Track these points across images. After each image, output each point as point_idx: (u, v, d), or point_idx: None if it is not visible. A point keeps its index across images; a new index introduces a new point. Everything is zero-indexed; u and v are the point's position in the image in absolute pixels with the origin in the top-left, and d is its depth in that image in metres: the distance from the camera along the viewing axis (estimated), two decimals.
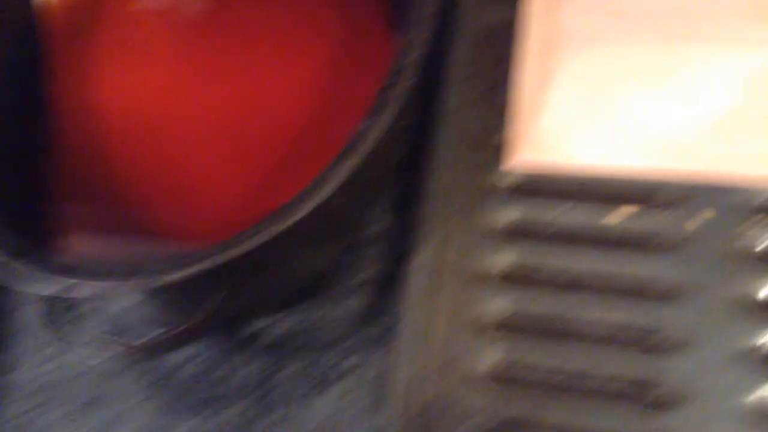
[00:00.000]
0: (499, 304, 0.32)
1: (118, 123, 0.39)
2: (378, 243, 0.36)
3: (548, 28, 0.38)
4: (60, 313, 0.30)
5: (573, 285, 0.32)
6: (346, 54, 0.39)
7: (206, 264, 0.26)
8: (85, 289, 0.26)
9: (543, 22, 0.38)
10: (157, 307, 0.31)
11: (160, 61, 0.41)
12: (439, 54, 0.39)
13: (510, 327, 0.32)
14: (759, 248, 0.31)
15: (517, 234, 0.33)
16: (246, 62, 0.40)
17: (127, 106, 0.39)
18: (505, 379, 0.31)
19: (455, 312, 0.32)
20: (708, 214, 0.32)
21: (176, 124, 0.39)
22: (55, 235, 0.36)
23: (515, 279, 0.32)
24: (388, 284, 0.35)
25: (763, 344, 0.30)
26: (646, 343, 0.31)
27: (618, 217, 0.33)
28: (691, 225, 0.32)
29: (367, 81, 0.38)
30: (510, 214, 0.34)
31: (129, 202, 0.37)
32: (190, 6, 0.43)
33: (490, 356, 0.31)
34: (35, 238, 0.34)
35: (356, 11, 0.40)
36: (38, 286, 0.26)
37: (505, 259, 0.33)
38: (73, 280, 0.26)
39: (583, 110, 0.36)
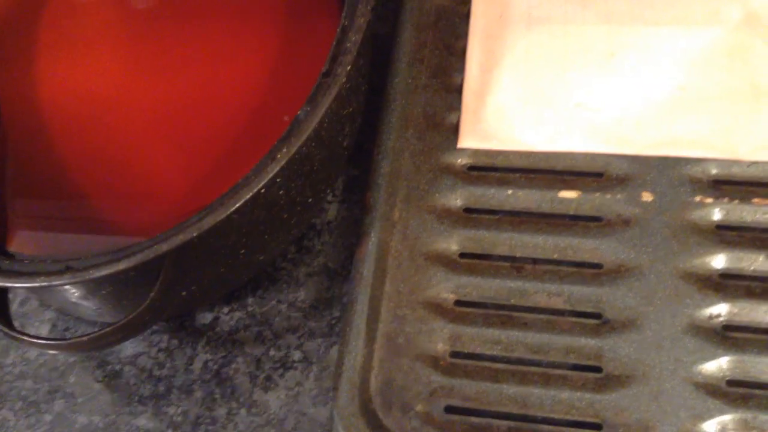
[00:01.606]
0: (450, 286, 0.32)
1: (63, 116, 0.38)
2: (328, 232, 0.36)
3: (494, 10, 0.38)
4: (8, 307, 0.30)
5: (523, 266, 0.32)
6: (291, 42, 0.39)
7: (140, 257, 0.26)
8: (20, 283, 0.25)
9: (487, 5, 0.38)
10: (100, 301, 0.31)
11: (104, 52, 0.40)
12: (386, 37, 0.39)
13: (461, 307, 0.32)
14: (705, 223, 0.32)
15: (468, 215, 0.33)
16: (190, 52, 0.40)
17: (72, 99, 0.39)
18: (455, 361, 0.31)
19: (406, 294, 0.32)
20: (655, 192, 0.32)
21: (121, 116, 0.38)
22: (2, 231, 0.36)
23: (466, 260, 0.32)
24: (339, 274, 0.35)
25: (713, 316, 0.30)
26: (596, 321, 0.31)
27: (567, 196, 0.33)
28: (638, 203, 0.32)
29: (315, 70, 0.38)
30: (460, 195, 0.34)
31: (76, 195, 0.37)
32: None
33: (440, 338, 0.31)
34: None
35: (303, 2, 0.39)
36: None
37: (455, 240, 0.33)
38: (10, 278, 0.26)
39: (529, 92, 0.36)
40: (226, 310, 0.35)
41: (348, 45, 0.30)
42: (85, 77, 0.39)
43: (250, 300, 0.35)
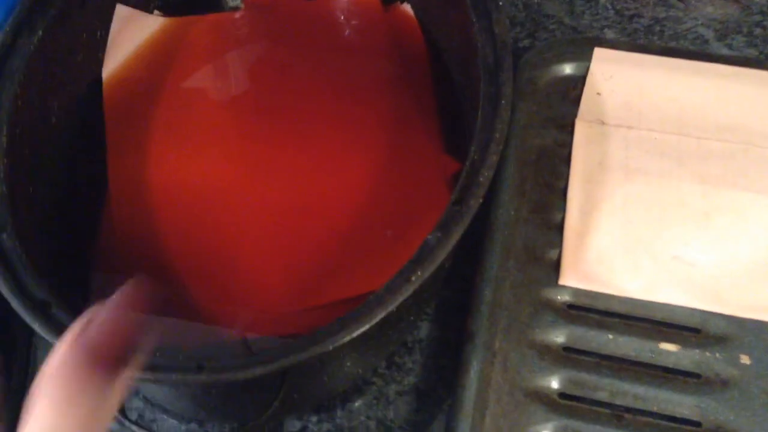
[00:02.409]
0: (550, 426, 0.32)
1: (170, 204, 0.39)
2: (420, 351, 0.37)
3: (593, 158, 0.40)
4: None
5: (622, 415, 0.32)
6: (396, 164, 0.41)
7: (275, 365, 0.26)
8: (153, 377, 0.25)
9: (589, 150, 0.40)
10: (201, 398, 0.30)
11: (214, 148, 0.42)
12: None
13: None
14: None
15: (568, 354, 0.34)
16: (299, 158, 0.41)
17: (180, 189, 0.40)
18: None
19: (506, 431, 0.31)
20: (752, 356, 0.33)
21: (226, 211, 0.39)
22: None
23: (566, 401, 0.32)
24: (429, 396, 0.35)
25: None
26: None
27: (667, 348, 0.33)
28: (736, 365, 0.33)
29: (415, 192, 0.40)
30: (561, 333, 0.34)
31: (174, 280, 0.37)
32: (244, 93, 0.44)
33: None
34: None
35: (408, 128, 0.41)
36: None
37: (556, 379, 0.33)
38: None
39: (627, 239, 0.37)
40: (314, 419, 0.34)
41: (481, 179, 0.31)
42: (194, 170, 0.41)
43: (339, 412, 0.34)
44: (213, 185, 0.40)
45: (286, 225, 0.38)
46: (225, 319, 0.36)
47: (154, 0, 0.45)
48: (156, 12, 0.46)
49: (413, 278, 0.28)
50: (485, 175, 0.31)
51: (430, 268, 0.29)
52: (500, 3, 0.37)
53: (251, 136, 0.42)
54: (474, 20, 0.37)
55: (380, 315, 0.27)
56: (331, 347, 0.26)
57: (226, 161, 0.41)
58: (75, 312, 0.29)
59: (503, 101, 0.33)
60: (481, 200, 0.31)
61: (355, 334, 0.27)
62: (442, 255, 0.29)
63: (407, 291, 0.28)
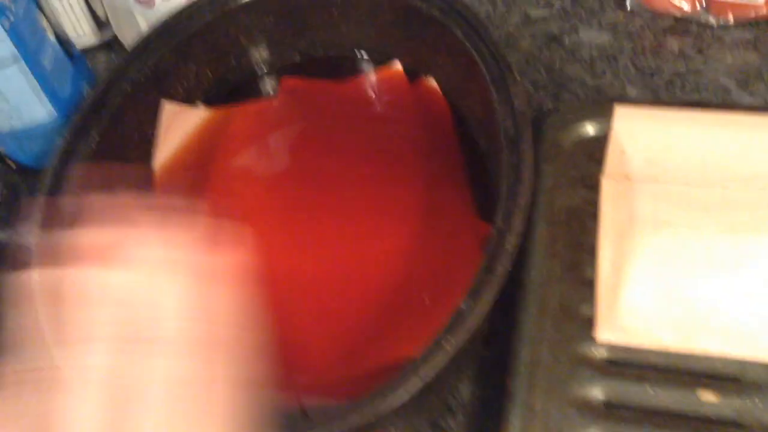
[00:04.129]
0: None
1: None
2: (463, 414, 0.38)
3: (621, 213, 0.41)
4: None
5: None
6: (430, 229, 0.43)
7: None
8: None
9: (616, 206, 0.41)
10: None
11: (258, 226, 0.44)
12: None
13: None
14: None
15: (609, 410, 0.34)
16: (339, 230, 0.44)
17: None
18: None
19: None
20: None
21: (274, 286, 0.42)
22: None
23: None
24: None
25: None
26: None
27: (708, 399, 0.34)
28: None
29: (451, 258, 0.42)
30: (600, 389, 0.35)
31: None
32: (284, 173, 0.47)
33: None
34: None
35: (439, 196, 0.43)
36: None
37: None
38: None
39: (660, 291, 0.38)
40: None
41: (507, 246, 0.33)
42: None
43: None
44: (256, 258, 0.43)
45: (328, 294, 0.41)
46: (280, 384, 0.38)
47: (198, 94, 0.49)
48: (200, 104, 0.49)
49: (447, 347, 0.30)
50: (512, 242, 0.33)
51: (463, 336, 0.30)
52: (518, 78, 0.40)
53: (292, 210, 0.45)
54: (494, 93, 0.39)
55: (418, 385, 0.29)
56: (371, 418, 0.28)
57: (269, 235, 0.44)
58: None
59: (525, 170, 0.35)
60: (509, 267, 0.32)
61: (393, 405, 0.28)
62: (474, 322, 0.31)
63: (443, 359, 0.30)
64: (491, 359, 0.39)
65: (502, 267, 0.32)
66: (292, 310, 0.40)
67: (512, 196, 0.34)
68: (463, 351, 0.34)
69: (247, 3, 0.47)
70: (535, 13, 0.56)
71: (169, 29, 0.45)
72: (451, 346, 0.30)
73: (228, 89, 0.50)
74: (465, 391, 0.38)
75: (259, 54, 0.50)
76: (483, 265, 0.33)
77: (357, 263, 0.42)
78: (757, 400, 0.34)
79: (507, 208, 0.34)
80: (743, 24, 0.52)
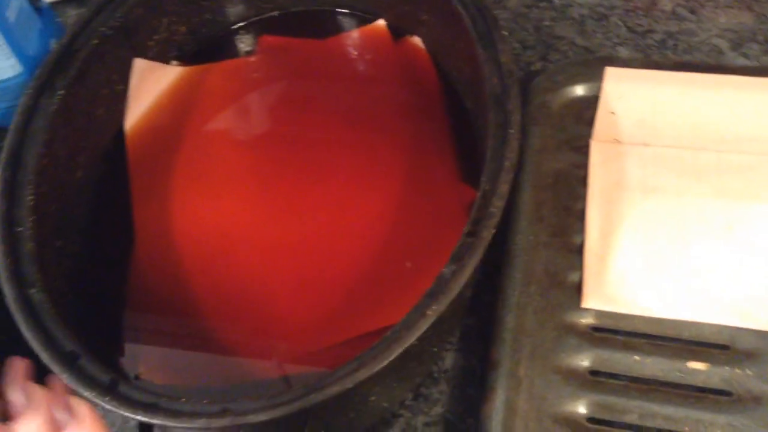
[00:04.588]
0: None
1: (192, 247, 0.40)
2: (446, 381, 0.37)
3: (610, 178, 0.40)
4: None
5: None
6: (414, 194, 0.41)
7: (297, 404, 0.26)
8: (181, 423, 0.26)
9: (605, 170, 0.40)
10: None
11: (234, 192, 0.43)
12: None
13: None
14: None
15: (595, 378, 0.33)
16: (316, 195, 0.42)
17: (202, 232, 0.41)
18: None
19: None
20: None
21: (248, 252, 0.40)
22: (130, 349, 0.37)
23: (595, 425, 0.32)
24: (456, 427, 0.35)
25: None
26: None
27: (696, 367, 0.33)
28: (765, 381, 0.32)
29: (434, 222, 0.40)
30: (586, 356, 0.34)
31: (205, 318, 0.38)
32: (263, 134, 0.45)
33: None
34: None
35: (423, 158, 0.42)
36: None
37: (583, 403, 0.33)
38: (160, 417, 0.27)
39: (649, 258, 0.37)
40: None
41: (492, 210, 0.31)
42: (217, 212, 0.42)
43: None
44: (236, 225, 0.41)
45: (309, 261, 0.39)
46: (262, 353, 0.36)
47: (171, 51, 0.47)
48: (173, 62, 0.47)
49: (429, 312, 0.29)
50: (497, 206, 0.32)
51: (445, 302, 0.29)
52: (505, 33, 0.38)
53: (273, 174, 0.43)
54: (480, 51, 0.37)
55: (397, 351, 0.28)
56: (350, 385, 0.27)
57: (249, 201, 0.42)
58: (103, 362, 0.30)
59: (511, 130, 0.34)
60: (494, 231, 0.31)
61: (372, 372, 0.27)
62: (457, 288, 0.29)
63: (423, 326, 0.28)
64: (475, 327, 0.38)
65: (487, 231, 0.31)
66: (271, 276, 0.39)
67: (498, 158, 0.33)
68: (445, 318, 0.32)
69: None
70: None
71: None
72: (433, 312, 0.29)
73: (203, 46, 0.48)
74: (448, 358, 0.37)
75: (235, 8, 0.48)
76: (467, 229, 0.31)
77: (338, 229, 0.41)
78: (746, 368, 0.33)
79: (492, 170, 0.33)
80: None
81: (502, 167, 0.33)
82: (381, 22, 0.48)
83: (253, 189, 0.42)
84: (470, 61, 0.39)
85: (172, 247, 0.40)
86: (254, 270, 0.39)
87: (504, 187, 0.32)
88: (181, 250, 0.40)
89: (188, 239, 0.41)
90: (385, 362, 0.27)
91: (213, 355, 0.36)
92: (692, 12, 0.51)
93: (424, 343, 0.32)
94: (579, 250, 0.37)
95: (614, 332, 0.35)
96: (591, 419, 0.32)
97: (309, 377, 0.34)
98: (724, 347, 0.34)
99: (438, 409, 0.35)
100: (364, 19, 0.49)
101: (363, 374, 0.27)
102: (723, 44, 0.49)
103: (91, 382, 0.28)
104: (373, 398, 0.32)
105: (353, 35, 0.49)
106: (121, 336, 0.37)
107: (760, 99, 0.41)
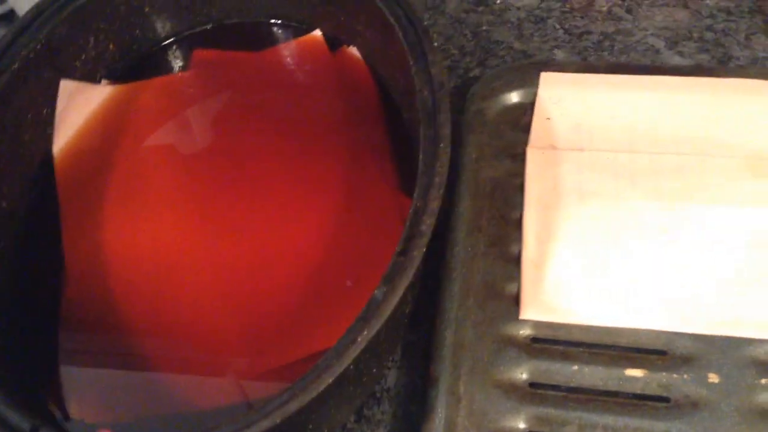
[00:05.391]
0: None
1: (125, 274, 0.39)
2: (388, 400, 0.36)
3: (546, 184, 0.40)
4: None
5: None
6: (353, 208, 0.41)
7: None
8: None
9: (541, 177, 0.40)
10: None
11: (167, 213, 0.42)
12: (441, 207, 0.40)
13: None
14: None
15: (534, 390, 0.33)
16: (252, 214, 0.41)
17: (135, 258, 0.40)
18: None
19: None
20: (720, 373, 0.32)
21: (183, 275, 0.39)
22: (64, 389, 0.36)
23: None
24: None
25: None
26: None
27: (634, 375, 0.33)
28: (705, 385, 0.32)
29: (374, 237, 0.40)
30: (525, 369, 0.34)
31: (133, 348, 0.37)
32: (198, 151, 0.44)
33: None
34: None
35: (363, 171, 0.41)
36: None
37: (523, 417, 0.33)
38: None
39: (586, 265, 0.37)
40: None
41: (422, 228, 0.31)
42: (149, 236, 0.41)
43: None
44: (171, 246, 0.40)
45: (242, 282, 0.38)
46: (197, 384, 0.36)
47: (99, 70, 0.45)
48: (103, 81, 0.46)
49: (359, 339, 0.28)
50: (427, 223, 0.31)
51: (376, 326, 0.29)
52: (436, 44, 0.37)
53: (209, 192, 0.42)
54: (411, 62, 0.37)
55: (328, 381, 0.27)
56: (278, 420, 0.26)
57: (184, 220, 0.41)
58: (28, 405, 0.29)
59: (441, 144, 0.33)
60: (424, 249, 0.31)
61: (303, 404, 0.26)
62: (388, 310, 0.29)
63: (354, 352, 0.28)
64: (417, 343, 0.38)
65: (417, 250, 0.30)
66: (206, 300, 0.38)
67: (428, 173, 0.32)
68: (381, 339, 0.32)
69: None
70: None
71: None
72: (363, 338, 0.28)
73: (134, 63, 0.47)
74: (391, 377, 0.37)
75: (166, 23, 0.47)
76: (398, 248, 0.31)
77: (276, 246, 0.40)
78: (684, 373, 0.33)
79: (423, 186, 0.32)
80: None
81: (432, 183, 0.32)
82: (317, 33, 0.47)
83: (188, 208, 0.42)
84: (404, 72, 0.38)
85: (106, 273, 0.39)
86: (189, 293, 0.38)
87: (434, 204, 0.32)
88: (115, 276, 0.39)
89: (122, 264, 0.40)
90: (315, 393, 0.27)
91: (145, 385, 0.35)
92: (628, 11, 0.51)
93: (361, 366, 0.32)
94: (517, 260, 0.37)
95: (553, 342, 0.35)
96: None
97: (241, 408, 0.33)
98: (661, 353, 0.34)
99: (381, 431, 0.35)
100: (300, 30, 0.48)
101: (293, 407, 0.27)
102: (659, 43, 0.49)
103: (10, 430, 0.27)
104: (311, 426, 0.31)
105: (289, 47, 0.48)
106: (51, 374, 0.36)
107: (693, 99, 0.41)
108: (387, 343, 0.34)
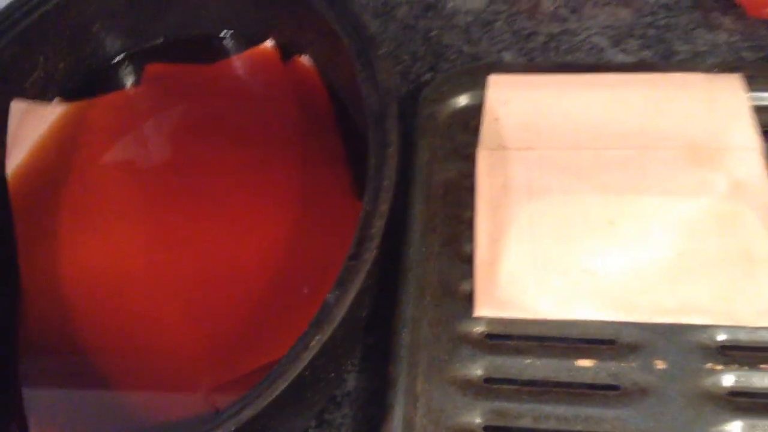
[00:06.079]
0: None
1: (82, 291, 0.39)
2: (349, 404, 0.37)
3: (496, 184, 0.41)
4: None
5: None
6: (309, 216, 0.41)
7: None
8: None
9: (491, 177, 0.41)
10: None
11: (122, 228, 0.42)
12: (396, 210, 0.41)
13: None
14: (718, 390, 0.33)
15: (489, 385, 0.34)
16: (208, 226, 0.41)
17: (92, 274, 0.40)
18: None
19: None
20: (667, 359, 0.34)
21: (140, 290, 0.40)
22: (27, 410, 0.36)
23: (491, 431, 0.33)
24: None
25: None
26: None
27: (584, 365, 0.34)
28: (652, 372, 0.33)
29: (331, 243, 0.40)
30: (480, 365, 0.35)
31: (93, 363, 0.37)
32: (154, 165, 0.44)
33: None
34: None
35: (318, 179, 0.42)
36: None
37: (478, 412, 0.33)
38: None
39: (537, 260, 0.38)
40: None
41: (372, 231, 0.32)
42: (106, 252, 0.41)
43: None
44: (128, 262, 0.40)
45: (201, 295, 0.39)
46: (157, 397, 0.36)
47: (51, 89, 0.45)
48: (56, 99, 0.46)
49: (312, 344, 0.29)
50: (377, 226, 0.32)
51: (329, 330, 0.29)
52: (382, 51, 0.38)
53: (165, 206, 0.43)
54: (359, 70, 0.38)
55: (281, 387, 0.28)
56: (233, 428, 0.26)
57: (141, 235, 0.41)
58: None
59: (390, 149, 0.34)
60: (375, 251, 0.31)
61: (258, 411, 0.27)
62: (340, 314, 0.30)
63: (307, 357, 0.28)
64: (376, 345, 0.38)
65: (368, 253, 0.31)
66: (164, 314, 0.38)
67: (377, 177, 0.33)
68: (337, 343, 0.33)
69: None
70: None
71: (7, 17, 0.41)
72: (317, 342, 0.29)
73: (87, 81, 0.47)
74: (351, 380, 0.38)
75: (116, 40, 0.47)
76: (350, 252, 0.32)
77: (233, 257, 0.40)
78: (632, 361, 0.34)
79: (373, 190, 0.33)
80: None
81: (381, 187, 0.33)
82: (269, 43, 0.48)
83: (145, 223, 0.42)
84: (353, 80, 0.39)
85: (64, 292, 0.39)
86: (148, 308, 0.38)
87: (383, 207, 0.32)
88: (73, 295, 0.39)
89: (80, 282, 0.40)
90: (269, 399, 0.27)
91: (108, 402, 0.35)
92: (573, 12, 0.52)
93: (317, 371, 0.32)
94: (470, 259, 0.38)
95: (507, 338, 0.35)
96: (486, 428, 0.33)
97: (204, 416, 0.33)
98: (610, 342, 0.35)
99: None
100: (251, 42, 0.48)
101: (246, 415, 0.27)
102: (603, 42, 0.50)
103: None
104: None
105: (242, 58, 0.49)
106: (13, 396, 0.36)
107: (635, 94, 0.42)
108: (344, 346, 0.34)
